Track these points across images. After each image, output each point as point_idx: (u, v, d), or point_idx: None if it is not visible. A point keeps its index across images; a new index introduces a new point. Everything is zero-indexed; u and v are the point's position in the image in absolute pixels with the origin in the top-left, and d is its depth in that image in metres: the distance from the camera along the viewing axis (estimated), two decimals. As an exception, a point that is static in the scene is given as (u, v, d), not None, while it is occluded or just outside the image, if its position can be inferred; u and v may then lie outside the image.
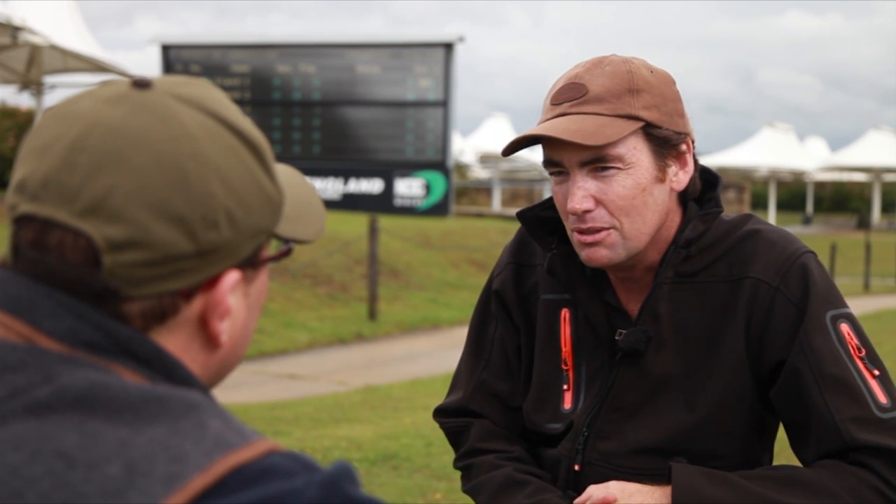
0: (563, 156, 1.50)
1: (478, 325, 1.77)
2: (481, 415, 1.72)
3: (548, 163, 1.53)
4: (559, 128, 1.47)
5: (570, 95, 1.50)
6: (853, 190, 52.22)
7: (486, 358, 1.74)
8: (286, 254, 0.95)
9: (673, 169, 1.54)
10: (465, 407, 1.74)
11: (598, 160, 1.48)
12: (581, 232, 1.52)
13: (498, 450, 1.67)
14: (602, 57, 1.55)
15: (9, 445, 0.73)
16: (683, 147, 1.54)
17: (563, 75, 1.55)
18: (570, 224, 1.54)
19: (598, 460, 1.59)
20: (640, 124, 1.48)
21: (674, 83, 1.56)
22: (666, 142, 1.51)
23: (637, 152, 1.49)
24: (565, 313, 1.66)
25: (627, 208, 1.50)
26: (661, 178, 1.52)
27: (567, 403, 1.64)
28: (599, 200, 1.49)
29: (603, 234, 1.51)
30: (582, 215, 1.50)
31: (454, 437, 1.74)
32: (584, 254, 1.53)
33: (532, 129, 1.51)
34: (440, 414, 1.77)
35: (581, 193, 1.49)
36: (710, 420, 1.55)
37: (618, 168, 1.48)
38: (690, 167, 1.56)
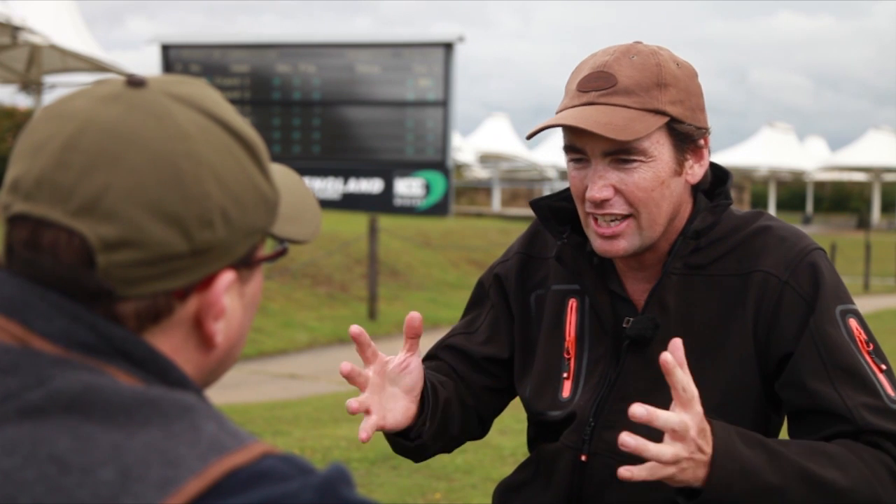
0: (586, 144, 1.51)
1: (475, 302, 1.82)
2: (444, 361, 1.78)
3: (569, 149, 1.55)
4: (589, 119, 1.48)
5: (598, 84, 1.51)
6: (853, 190, 52.28)
7: (475, 329, 1.78)
8: (281, 254, 0.94)
9: (690, 162, 1.56)
10: (433, 354, 1.80)
11: (621, 151, 1.50)
12: (597, 221, 1.54)
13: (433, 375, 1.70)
14: (629, 45, 1.55)
15: (2, 450, 0.73)
16: (701, 141, 1.56)
17: (587, 60, 1.56)
18: (585, 209, 1.55)
19: (605, 450, 1.59)
20: (666, 119, 1.50)
21: (697, 76, 1.58)
22: (687, 137, 1.53)
23: (659, 146, 1.51)
24: (572, 303, 1.68)
25: (646, 200, 1.51)
26: (678, 171, 1.54)
27: (566, 392, 1.65)
28: (618, 190, 1.51)
29: (622, 225, 1.52)
30: (600, 203, 1.52)
31: None
32: (600, 244, 1.55)
33: (560, 116, 1.52)
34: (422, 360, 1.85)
35: (602, 183, 1.51)
36: (715, 413, 1.55)
37: (640, 161, 1.50)
38: (706, 161, 1.59)
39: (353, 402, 1.52)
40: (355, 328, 1.53)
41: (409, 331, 1.56)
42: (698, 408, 1.34)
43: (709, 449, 1.35)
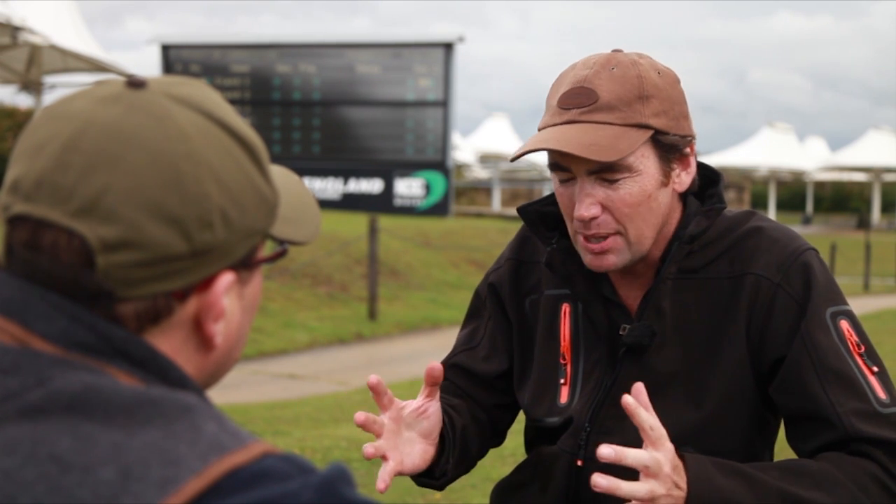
0: (571, 163, 1.50)
1: (473, 314, 1.81)
2: (451, 381, 1.77)
3: (554, 167, 1.53)
4: (572, 140, 1.46)
5: (579, 101, 1.48)
6: (853, 190, 52.26)
7: (476, 343, 1.77)
8: (281, 255, 0.94)
9: (677, 171, 1.54)
10: None
11: (606, 169, 1.48)
12: (587, 238, 1.52)
13: (441, 397, 1.68)
14: (609, 56, 1.53)
15: (2, 449, 0.73)
16: (687, 149, 1.54)
17: (567, 73, 1.54)
18: (574, 227, 1.54)
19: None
20: (650, 133, 1.48)
21: (679, 83, 1.55)
22: (672, 147, 1.51)
23: (644, 160, 1.49)
24: (565, 308, 1.67)
25: (633, 215, 1.50)
26: (665, 182, 1.53)
27: (563, 398, 1.65)
28: (606, 207, 1.50)
29: (610, 241, 1.51)
30: (588, 222, 1.50)
31: None
32: (590, 260, 1.54)
33: (543, 139, 1.49)
34: None
35: (589, 201, 1.49)
36: (713, 417, 1.55)
37: (626, 176, 1.48)
38: (693, 168, 1.57)
39: (368, 448, 1.50)
40: (374, 378, 1.52)
41: (429, 379, 1.54)
42: (669, 445, 1.36)
43: (684, 484, 1.37)
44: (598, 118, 1.47)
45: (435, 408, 1.57)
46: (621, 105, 1.47)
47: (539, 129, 1.54)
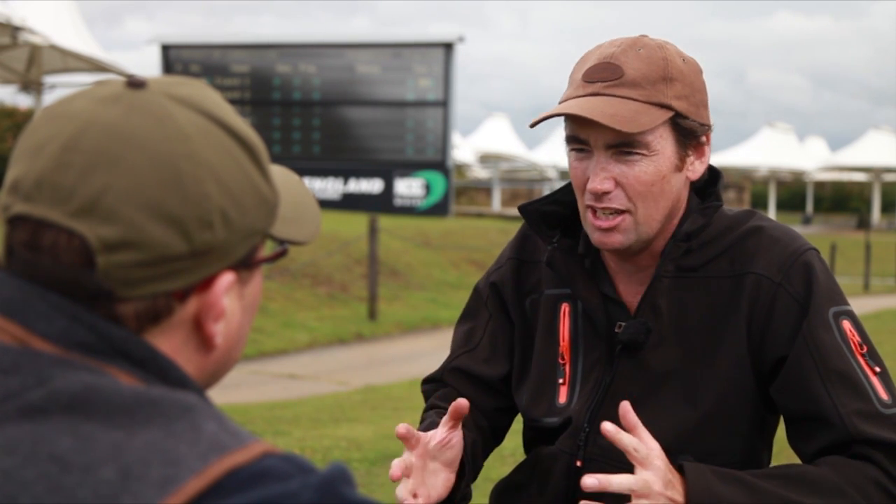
0: (590, 135, 1.50)
1: (472, 312, 1.80)
2: (452, 386, 1.78)
3: (572, 139, 1.53)
4: (595, 109, 1.47)
5: (604, 75, 1.50)
6: (853, 190, 52.25)
7: (475, 344, 1.77)
8: (281, 255, 0.95)
9: (691, 158, 1.55)
10: (440, 378, 1.80)
11: (624, 144, 1.49)
12: (596, 214, 1.53)
13: (442, 406, 1.70)
14: (636, 38, 1.55)
15: (2, 449, 0.73)
16: (704, 138, 1.56)
17: (593, 51, 1.56)
18: (585, 201, 1.54)
19: (600, 456, 1.59)
20: (671, 114, 1.50)
21: (701, 73, 1.57)
22: (690, 132, 1.53)
23: (663, 140, 1.50)
24: (565, 308, 1.67)
25: (645, 194, 1.51)
26: (679, 167, 1.54)
27: (562, 398, 1.65)
28: (619, 183, 1.51)
29: (618, 219, 1.52)
30: (600, 196, 1.51)
31: (425, 400, 1.82)
32: (597, 237, 1.54)
33: (565, 106, 1.50)
34: (424, 382, 1.86)
35: (603, 175, 1.50)
36: (711, 417, 1.55)
37: (642, 154, 1.49)
38: (706, 158, 1.58)
39: (405, 496, 1.53)
40: (402, 428, 1.53)
41: (455, 413, 1.55)
42: (658, 462, 1.37)
43: (680, 498, 1.38)
44: (621, 93, 1.48)
45: (458, 437, 1.58)
46: (645, 83, 1.49)
47: (560, 103, 1.54)
